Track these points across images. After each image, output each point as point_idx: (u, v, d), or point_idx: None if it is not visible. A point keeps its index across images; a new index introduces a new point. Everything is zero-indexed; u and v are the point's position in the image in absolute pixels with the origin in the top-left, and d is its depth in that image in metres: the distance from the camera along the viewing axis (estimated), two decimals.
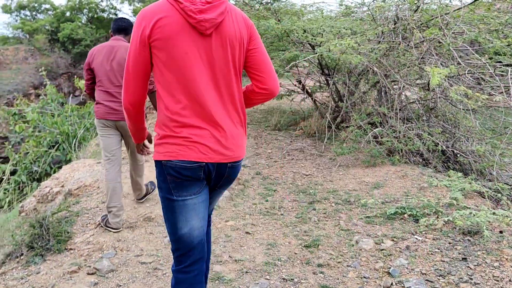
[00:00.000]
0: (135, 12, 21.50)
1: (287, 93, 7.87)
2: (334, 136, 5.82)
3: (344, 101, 6.12)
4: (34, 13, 29.04)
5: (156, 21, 1.68)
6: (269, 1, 18.60)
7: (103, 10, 29.76)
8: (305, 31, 5.53)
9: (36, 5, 28.66)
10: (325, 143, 5.89)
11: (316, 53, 5.71)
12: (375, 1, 6.06)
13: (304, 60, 6.34)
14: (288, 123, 7.27)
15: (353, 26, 5.99)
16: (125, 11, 37.00)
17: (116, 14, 29.82)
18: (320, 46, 5.96)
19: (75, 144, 15.40)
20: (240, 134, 1.88)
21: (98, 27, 28.90)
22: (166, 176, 1.77)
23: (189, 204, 1.81)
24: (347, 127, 5.81)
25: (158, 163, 1.79)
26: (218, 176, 1.87)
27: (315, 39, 6.09)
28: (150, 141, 3.21)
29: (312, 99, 7.06)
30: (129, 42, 2.54)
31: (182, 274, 1.85)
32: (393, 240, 3.16)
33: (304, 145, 6.04)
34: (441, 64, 5.05)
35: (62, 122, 15.89)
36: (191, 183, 1.79)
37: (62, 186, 4.70)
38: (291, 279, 2.73)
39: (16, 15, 28.62)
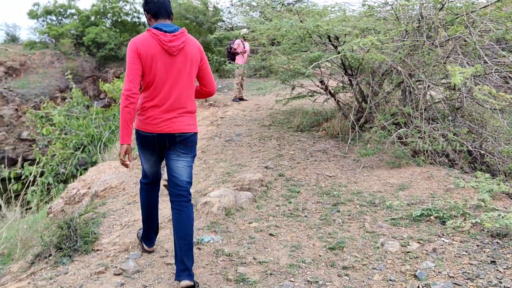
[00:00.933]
0: None
1: (310, 94, 7.85)
2: (357, 137, 5.77)
3: (368, 102, 6.07)
4: (60, 18, 29.66)
5: (146, 46, 2.76)
6: (291, 2, 18.55)
7: (126, 14, 30.19)
8: (327, 30, 5.50)
9: (61, 10, 29.27)
10: (348, 144, 5.84)
11: (339, 53, 5.68)
12: (398, 0, 5.99)
13: (327, 61, 6.31)
14: (311, 124, 7.25)
15: (376, 25, 5.93)
16: None
17: (139, 18, 30.24)
18: (342, 45, 5.93)
19: (100, 146, 15.67)
20: (186, 117, 2.89)
21: (122, 31, 29.34)
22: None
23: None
24: (370, 127, 5.75)
25: None
26: (171, 142, 2.87)
27: (337, 39, 6.07)
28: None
29: (335, 99, 7.02)
30: None
31: (142, 186, 3.22)
32: (419, 242, 3.12)
33: (327, 146, 6.00)
34: (467, 63, 4.96)
35: (87, 125, 16.19)
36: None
37: (89, 188, 4.79)
38: (316, 281, 2.72)
39: (43, 20, 29.28)
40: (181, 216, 2.84)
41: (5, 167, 23.89)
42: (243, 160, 5.56)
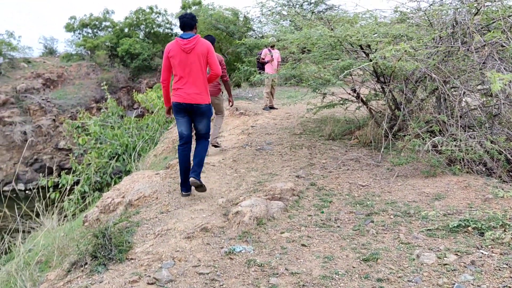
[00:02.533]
0: None
1: (341, 102, 7.79)
2: (390, 145, 5.68)
3: (401, 109, 5.97)
4: (95, 30, 30.56)
5: (171, 49, 4.44)
6: (321, 10, 18.47)
7: (159, 26, 30.83)
8: (358, 40, 5.46)
9: (97, 23, 30.14)
10: (381, 153, 5.75)
11: (371, 61, 5.62)
12: (431, 6, 5.89)
13: (359, 68, 6.26)
14: (343, 132, 7.18)
15: (409, 32, 5.84)
16: None
17: (171, 29, 30.81)
18: (374, 53, 5.85)
19: (134, 155, 15.96)
20: (198, 93, 4.49)
21: (154, 42, 29.96)
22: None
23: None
24: (404, 136, 5.65)
25: None
26: (191, 111, 4.55)
27: (369, 47, 6.01)
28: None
29: (367, 107, 6.94)
30: None
31: (178, 147, 4.67)
32: (456, 254, 3.02)
33: (359, 154, 5.93)
34: (504, 68, 4.82)
35: (121, 134, 16.53)
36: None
37: (123, 197, 4.88)
38: None
39: (79, 33, 30.22)
40: (199, 145, 4.77)
41: (43, 176, 24.63)
42: (274, 169, 5.55)
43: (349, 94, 7.64)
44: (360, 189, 4.69)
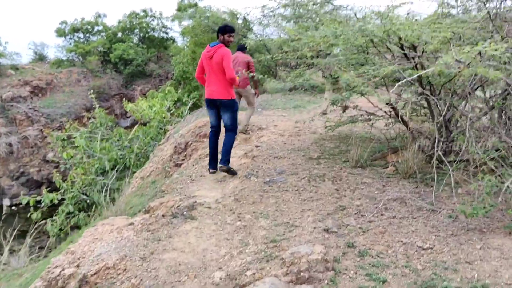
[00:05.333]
0: (183, 33, 20.71)
1: (367, 117, 6.33)
2: (439, 174, 4.23)
3: (450, 128, 4.54)
4: (87, 35, 29.10)
5: (203, 53, 5.50)
6: (328, 10, 16.78)
7: (154, 29, 29.41)
8: (409, 37, 3.97)
9: (89, 27, 28.71)
10: (434, 190, 4.27)
11: (415, 66, 4.17)
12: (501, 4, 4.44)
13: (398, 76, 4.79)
14: (372, 156, 5.70)
15: (469, 31, 4.39)
16: (176, 29, 36.62)
17: (166, 33, 29.41)
18: (420, 57, 4.40)
19: (122, 170, 14.54)
20: (220, 90, 5.36)
21: (149, 47, 28.54)
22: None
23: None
24: (453, 161, 4.23)
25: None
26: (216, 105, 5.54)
27: (414, 48, 4.55)
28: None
29: (407, 127, 5.46)
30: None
31: (210, 132, 5.78)
32: None
33: (403, 191, 4.45)
34: None
35: (110, 148, 15.04)
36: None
37: (78, 266, 3.38)
38: None
39: (70, 38, 28.76)
40: (226, 137, 5.47)
41: (29, 191, 23.02)
42: (292, 216, 4.07)
43: (376, 107, 6.19)
44: (422, 255, 3.20)
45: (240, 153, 6.68)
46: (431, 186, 4.54)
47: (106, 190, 5.26)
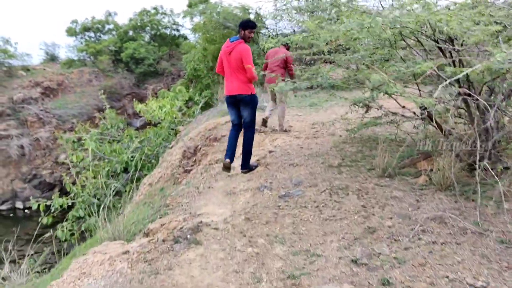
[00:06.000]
0: (194, 29, 20.13)
1: (391, 117, 5.70)
2: (480, 186, 3.60)
3: (495, 134, 3.90)
4: (98, 34, 28.76)
5: (222, 48, 5.41)
6: (342, 2, 15.97)
7: (165, 27, 28.93)
8: (451, 28, 3.33)
9: (99, 26, 28.35)
10: (478, 208, 3.64)
11: (460, 62, 3.55)
12: None
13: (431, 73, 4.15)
14: (400, 162, 5.06)
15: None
16: (187, 26, 36.08)
17: (178, 30, 28.92)
18: (458, 51, 3.77)
19: (134, 175, 14.06)
20: (240, 86, 5.26)
21: (160, 45, 28.08)
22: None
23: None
24: (505, 169, 3.59)
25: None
26: (236, 101, 5.41)
27: (452, 41, 3.91)
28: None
29: (442, 132, 4.80)
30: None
31: (231, 128, 5.63)
32: None
33: (441, 208, 3.82)
34: None
35: (121, 150, 14.62)
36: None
37: None
38: None
39: (81, 38, 28.46)
40: (245, 136, 5.48)
41: (41, 193, 22.79)
42: (312, 240, 3.48)
43: (403, 107, 5.56)
44: None
45: (252, 160, 6.11)
46: (473, 200, 3.91)
47: (104, 208, 4.71)
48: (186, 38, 28.76)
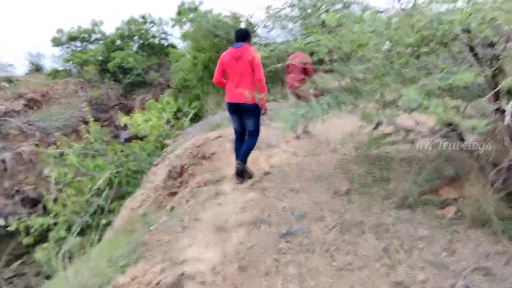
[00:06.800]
0: (184, 36, 19.41)
1: (402, 134, 4.96)
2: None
3: None
4: (84, 43, 27.93)
5: (224, 56, 5.26)
6: (338, 8, 15.27)
7: (153, 36, 28.17)
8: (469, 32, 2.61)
9: (86, 35, 27.53)
10: None
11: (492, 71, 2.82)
12: None
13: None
14: (420, 188, 4.30)
15: None
16: (177, 35, 35.36)
17: (167, 39, 28.19)
18: (498, 58, 3.04)
19: (117, 191, 13.36)
20: (244, 94, 5.01)
21: (149, 54, 27.32)
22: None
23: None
24: None
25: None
26: (239, 109, 5.29)
27: (492, 46, 3.19)
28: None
29: (472, 151, 4.05)
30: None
31: (235, 138, 5.65)
32: None
33: (483, 253, 3.06)
34: None
35: (104, 165, 13.79)
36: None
37: None
38: None
39: (67, 47, 27.61)
40: (248, 140, 5.41)
41: (25, 210, 21.75)
42: None
43: (417, 123, 4.83)
44: None
45: (246, 184, 5.33)
46: None
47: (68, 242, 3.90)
48: (175, 47, 28.04)
